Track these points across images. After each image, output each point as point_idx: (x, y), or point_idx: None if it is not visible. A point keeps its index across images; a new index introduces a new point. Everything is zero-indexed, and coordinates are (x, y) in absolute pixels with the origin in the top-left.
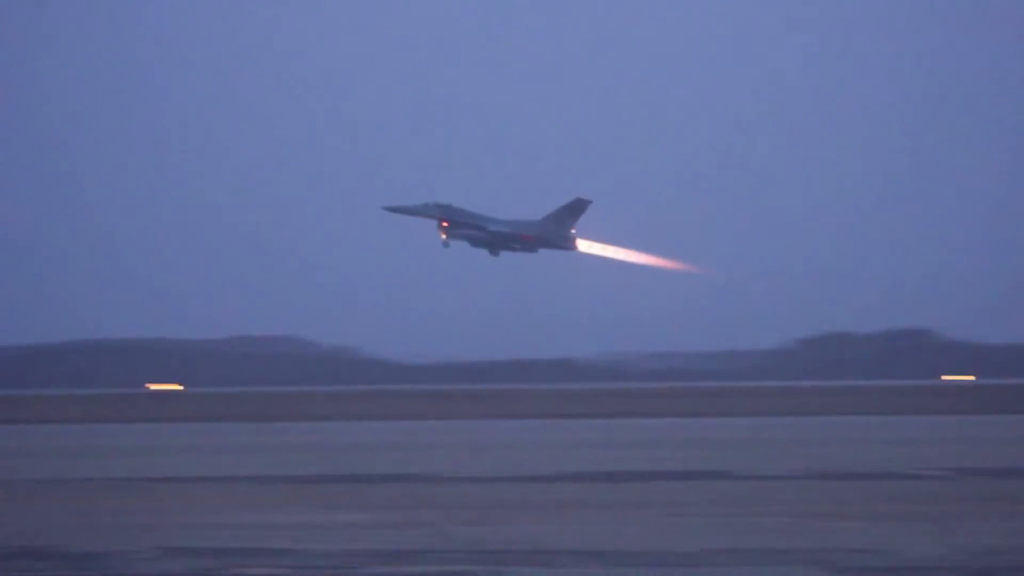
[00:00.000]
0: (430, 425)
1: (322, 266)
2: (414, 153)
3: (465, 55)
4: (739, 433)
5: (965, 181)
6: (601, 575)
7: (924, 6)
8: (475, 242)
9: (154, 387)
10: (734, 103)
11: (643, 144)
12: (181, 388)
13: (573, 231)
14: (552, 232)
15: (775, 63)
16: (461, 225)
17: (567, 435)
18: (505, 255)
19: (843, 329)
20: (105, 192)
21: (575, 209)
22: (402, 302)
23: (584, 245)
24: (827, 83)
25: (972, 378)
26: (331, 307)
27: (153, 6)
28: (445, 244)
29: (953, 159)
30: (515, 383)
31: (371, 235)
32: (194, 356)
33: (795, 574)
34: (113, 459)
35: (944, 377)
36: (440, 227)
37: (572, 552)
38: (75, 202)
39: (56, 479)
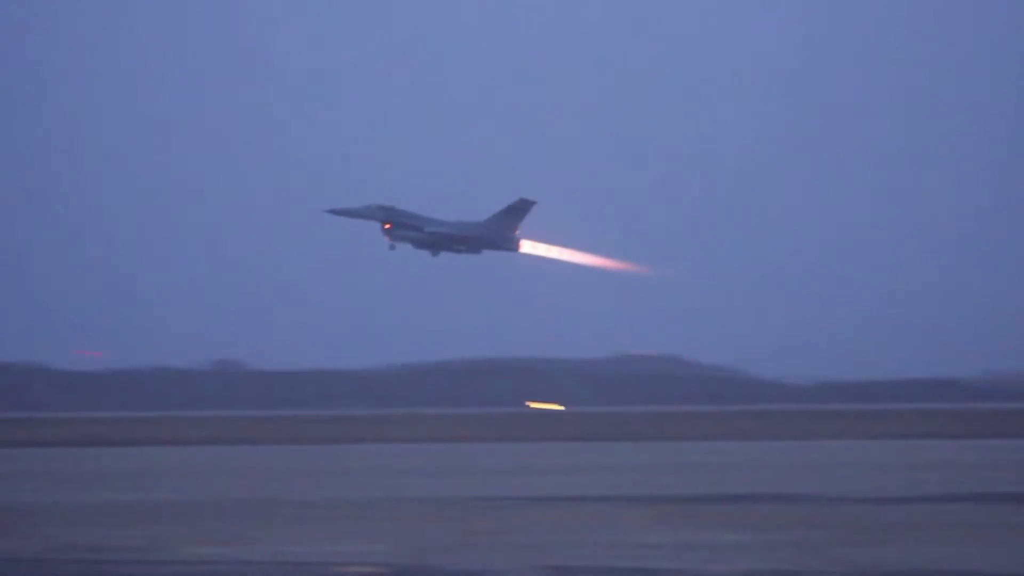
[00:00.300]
0: (804, 445)
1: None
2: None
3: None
4: None
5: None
6: None
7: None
8: (417, 244)
9: (535, 406)
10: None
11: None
12: (561, 408)
13: (517, 232)
14: (495, 233)
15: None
16: (402, 226)
17: (939, 455)
18: None
19: None
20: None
21: (518, 210)
22: (780, 321)
23: (528, 246)
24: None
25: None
26: (707, 326)
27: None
28: (391, 247)
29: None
30: (897, 403)
31: None
32: (573, 376)
33: None
34: (494, 478)
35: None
36: (383, 229)
37: None
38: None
39: (439, 497)
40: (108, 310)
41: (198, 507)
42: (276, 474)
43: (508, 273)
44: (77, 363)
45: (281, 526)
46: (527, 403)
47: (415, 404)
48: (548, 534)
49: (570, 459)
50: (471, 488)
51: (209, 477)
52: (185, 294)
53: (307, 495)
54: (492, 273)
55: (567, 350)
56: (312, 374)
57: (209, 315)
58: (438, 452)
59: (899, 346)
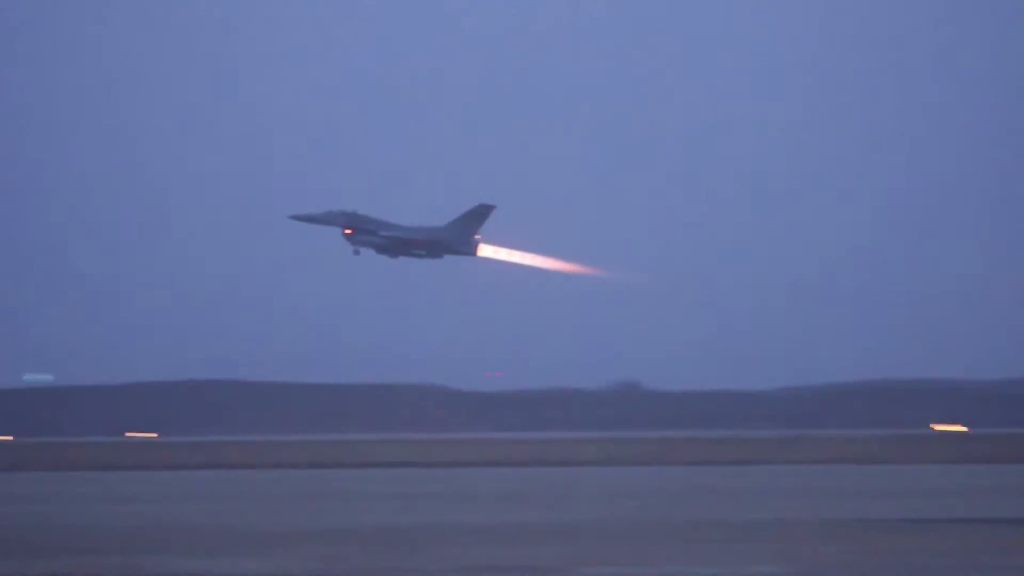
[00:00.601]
0: None
1: None
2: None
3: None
4: None
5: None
6: None
7: None
8: (378, 249)
9: (938, 428)
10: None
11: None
12: (965, 430)
13: (477, 236)
14: (456, 238)
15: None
16: (362, 231)
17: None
18: None
19: None
20: None
21: (478, 215)
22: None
23: (488, 250)
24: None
25: None
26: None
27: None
28: (355, 252)
29: None
30: None
31: None
32: (982, 397)
33: None
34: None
35: None
36: (344, 235)
37: None
38: None
39: (831, 520)
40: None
41: (593, 528)
42: (667, 495)
43: None
44: (482, 384)
45: (676, 545)
46: (930, 425)
47: (818, 424)
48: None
49: (970, 480)
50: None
51: (613, 499)
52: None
53: (697, 515)
54: None
55: (976, 371)
56: (712, 395)
57: (607, 337)
58: (834, 473)
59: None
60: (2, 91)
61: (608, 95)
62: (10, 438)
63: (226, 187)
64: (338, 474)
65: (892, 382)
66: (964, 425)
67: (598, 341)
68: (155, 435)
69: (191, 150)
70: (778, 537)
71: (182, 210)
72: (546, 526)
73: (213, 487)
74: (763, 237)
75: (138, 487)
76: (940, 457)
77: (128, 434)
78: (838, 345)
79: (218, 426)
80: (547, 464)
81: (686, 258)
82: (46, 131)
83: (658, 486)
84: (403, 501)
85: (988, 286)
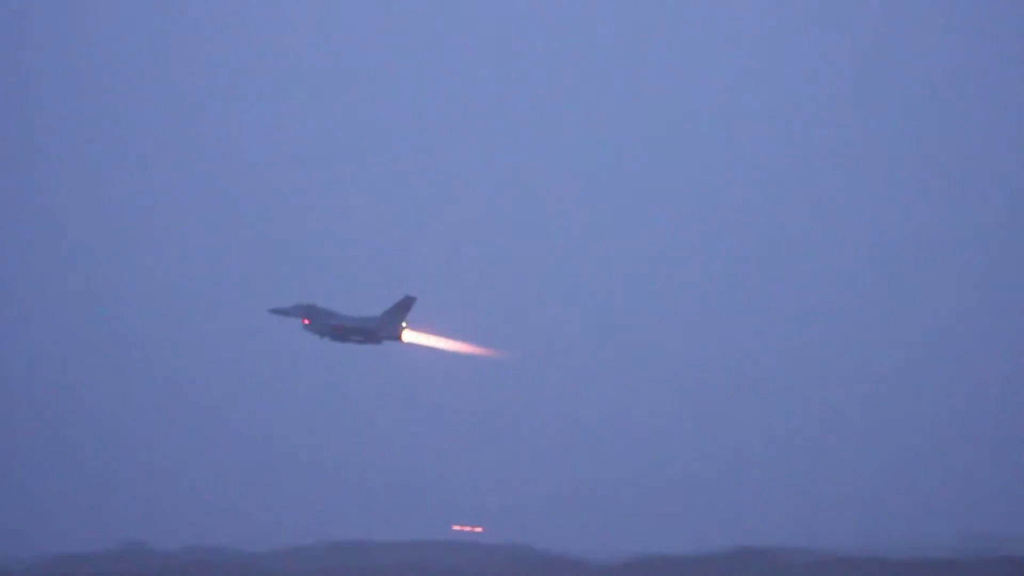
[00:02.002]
0: None
1: None
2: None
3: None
4: None
5: None
6: None
7: None
8: (332, 336)
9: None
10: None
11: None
12: None
13: (404, 324)
14: (388, 326)
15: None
16: (316, 321)
17: None
18: None
19: None
20: None
21: (404, 306)
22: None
23: (411, 336)
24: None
25: None
26: None
27: None
28: (321, 337)
29: None
30: None
31: None
32: None
33: None
34: None
35: None
36: (303, 324)
37: None
38: None
39: None
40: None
41: None
42: None
43: None
44: None
45: None
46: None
47: None
48: None
49: None
50: None
51: None
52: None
53: None
54: None
55: None
56: None
57: None
58: None
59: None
60: None
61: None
62: None
63: None
64: None
65: None
66: None
67: None
68: None
69: None
70: None
71: None
72: None
73: None
74: None
75: None
76: None
77: None
78: None
79: None
80: None
81: None
82: None
83: None
84: None
85: None
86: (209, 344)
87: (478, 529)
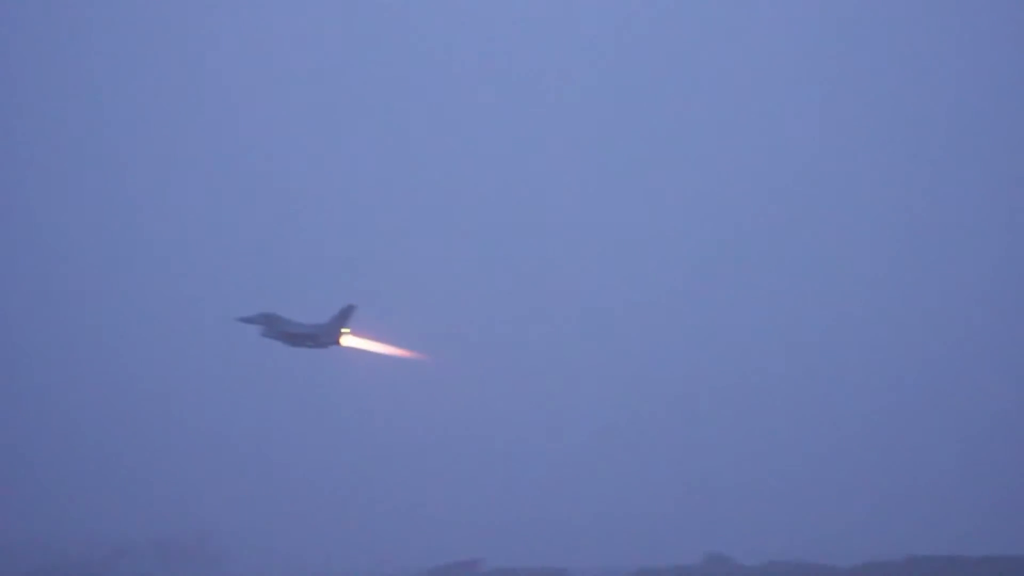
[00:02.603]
0: None
1: None
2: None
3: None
4: None
5: None
6: None
7: None
8: (286, 342)
9: None
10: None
11: None
12: None
13: (346, 330)
14: (333, 332)
15: None
16: (273, 329)
17: None
18: None
19: None
20: None
21: (346, 313)
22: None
23: (349, 340)
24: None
25: None
26: None
27: None
28: (285, 343)
29: None
30: None
31: None
32: None
33: None
34: None
35: None
36: (260, 331)
37: None
38: None
39: None
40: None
41: None
42: None
43: None
44: None
45: None
46: None
47: None
48: None
49: None
50: None
51: None
52: None
53: None
54: None
55: None
56: None
57: None
58: None
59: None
60: None
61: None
62: None
63: None
64: None
65: None
66: None
67: None
68: None
69: None
70: None
71: None
72: None
73: None
74: None
75: None
76: None
77: None
78: None
79: None
80: None
81: None
82: None
83: None
84: None
85: None
86: None
87: None
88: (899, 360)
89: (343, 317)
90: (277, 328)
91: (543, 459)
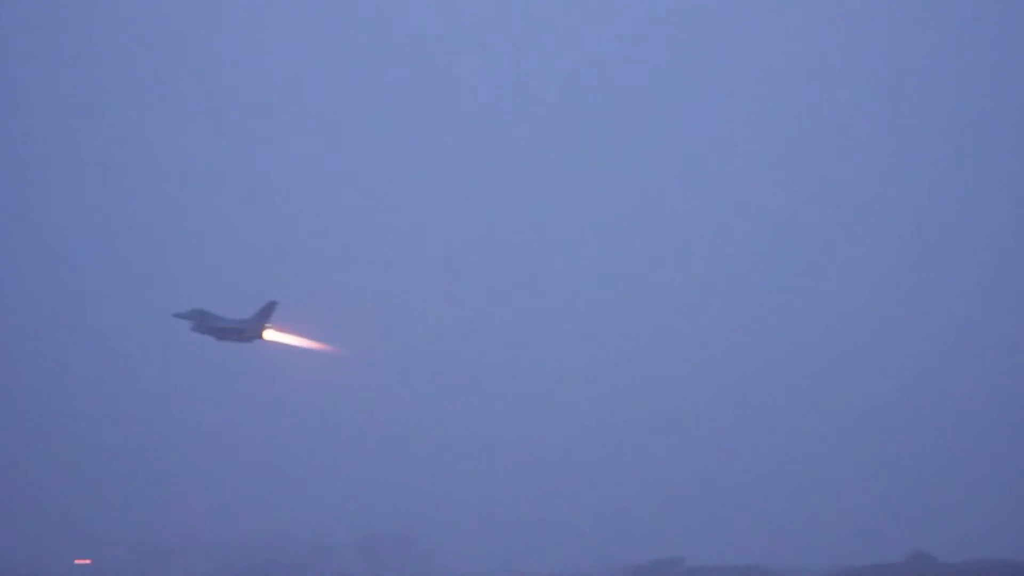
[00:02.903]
0: None
1: None
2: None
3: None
4: None
5: None
6: None
7: None
8: (214, 335)
9: None
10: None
11: None
12: None
13: (268, 326)
14: (257, 327)
15: None
16: (202, 324)
17: None
18: None
19: None
20: None
21: (268, 310)
22: None
23: (270, 335)
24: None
25: None
26: None
27: None
28: (214, 336)
29: None
30: None
31: None
32: None
33: None
34: None
35: None
36: (192, 326)
37: None
38: None
39: None
40: None
41: None
42: None
43: None
44: None
45: None
46: None
47: None
48: None
49: None
50: None
51: None
52: None
53: None
54: None
55: None
56: None
57: None
58: None
59: None
60: None
61: None
62: None
63: None
64: None
65: None
66: None
67: None
68: None
69: None
70: None
71: None
72: None
73: None
74: None
75: None
76: None
77: None
78: None
79: None
80: None
81: None
82: None
83: None
84: None
85: None
86: None
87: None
88: None
89: (266, 312)
90: (206, 323)
91: (745, 460)
